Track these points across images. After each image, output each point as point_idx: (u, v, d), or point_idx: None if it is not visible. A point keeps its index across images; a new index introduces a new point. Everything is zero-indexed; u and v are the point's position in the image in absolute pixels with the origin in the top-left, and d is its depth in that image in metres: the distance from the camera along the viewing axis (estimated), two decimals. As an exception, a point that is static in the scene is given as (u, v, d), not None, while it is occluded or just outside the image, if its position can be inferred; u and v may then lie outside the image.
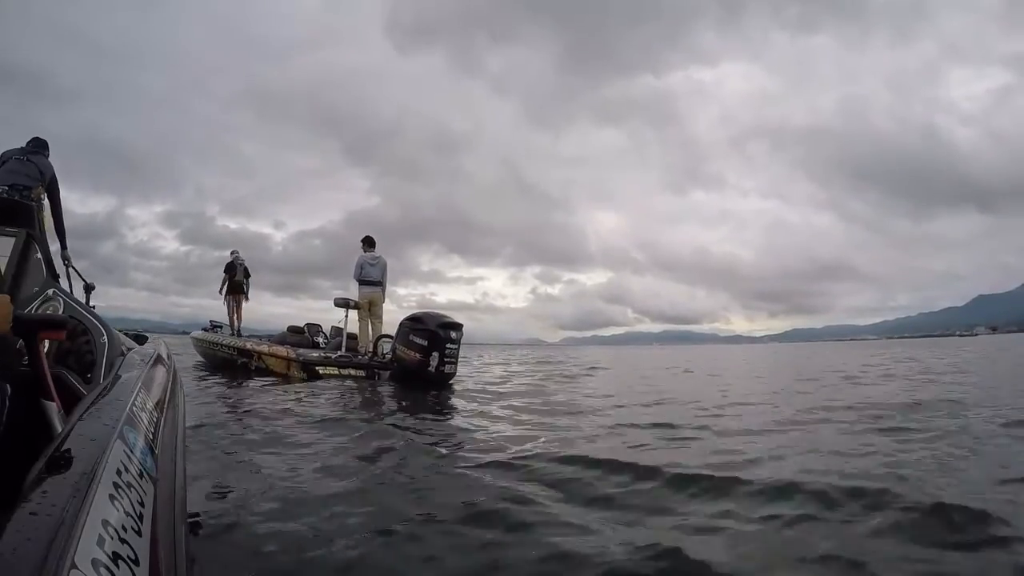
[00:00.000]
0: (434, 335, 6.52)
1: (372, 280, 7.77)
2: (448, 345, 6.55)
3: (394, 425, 3.85)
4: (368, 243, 7.89)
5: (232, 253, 10.62)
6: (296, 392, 5.61)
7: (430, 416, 4.35)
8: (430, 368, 6.48)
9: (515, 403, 5.21)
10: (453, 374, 6.83)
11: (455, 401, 5.45)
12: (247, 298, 10.52)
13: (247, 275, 10.54)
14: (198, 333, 10.41)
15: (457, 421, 4.23)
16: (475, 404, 5.15)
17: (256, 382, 6.37)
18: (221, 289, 10.42)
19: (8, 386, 1.03)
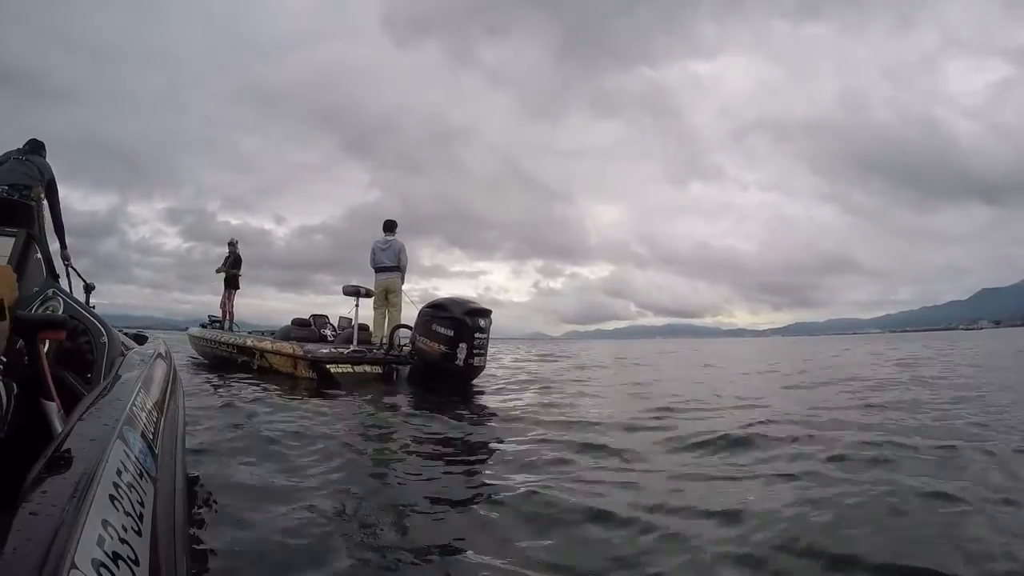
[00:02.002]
0: (461, 324, 5.72)
1: (385, 266, 7.18)
2: (477, 335, 5.77)
3: (410, 424, 3.74)
4: (385, 227, 7.37)
5: (232, 244, 10.38)
6: (302, 393, 5.28)
7: (454, 418, 3.94)
8: (457, 361, 5.68)
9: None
10: (482, 368, 6.02)
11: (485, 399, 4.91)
12: (238, 287, 10.38)
13: (238, 264, 10.41)
14: (195, 330, 9.95)
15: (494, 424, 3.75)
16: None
17: (258, 383, 5.92)
18: (231, 285, 10.23)
19: (14, 384, 1.04)
